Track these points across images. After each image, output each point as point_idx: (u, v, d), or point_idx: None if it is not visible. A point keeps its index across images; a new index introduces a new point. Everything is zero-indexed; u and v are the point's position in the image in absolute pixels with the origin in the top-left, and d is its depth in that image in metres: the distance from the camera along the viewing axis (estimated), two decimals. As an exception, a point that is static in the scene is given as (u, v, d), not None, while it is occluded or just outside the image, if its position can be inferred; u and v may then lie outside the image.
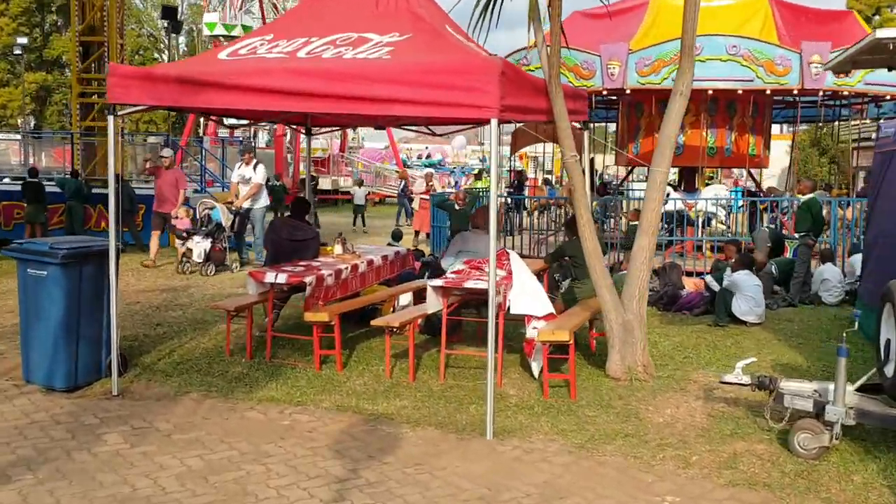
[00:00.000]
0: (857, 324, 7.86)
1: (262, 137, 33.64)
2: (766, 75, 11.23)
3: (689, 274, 10.13)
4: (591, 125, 17.55)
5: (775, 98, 13.36)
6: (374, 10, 6.04)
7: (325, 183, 32.06)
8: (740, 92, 11.86)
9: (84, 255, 5.99)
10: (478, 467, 4.62)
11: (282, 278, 6.62)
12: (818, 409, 4.79)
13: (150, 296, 9.70)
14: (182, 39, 57.65)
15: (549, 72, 5.84)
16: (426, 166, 42.62)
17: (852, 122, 16.81)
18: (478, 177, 25.51)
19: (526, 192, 18.12)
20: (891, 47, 5.08)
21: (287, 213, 7.87)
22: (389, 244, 11.42)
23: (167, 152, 12.90)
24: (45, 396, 5.79)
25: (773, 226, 11.91)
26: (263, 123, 25.28)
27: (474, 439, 5.06)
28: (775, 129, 20.51)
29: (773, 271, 9.81)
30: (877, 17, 36.70)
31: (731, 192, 14.22)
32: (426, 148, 53.52)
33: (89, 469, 4.46)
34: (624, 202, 14.16)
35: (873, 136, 11.43)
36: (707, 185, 16.58)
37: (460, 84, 4.99)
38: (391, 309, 7.99)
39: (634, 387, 6.00)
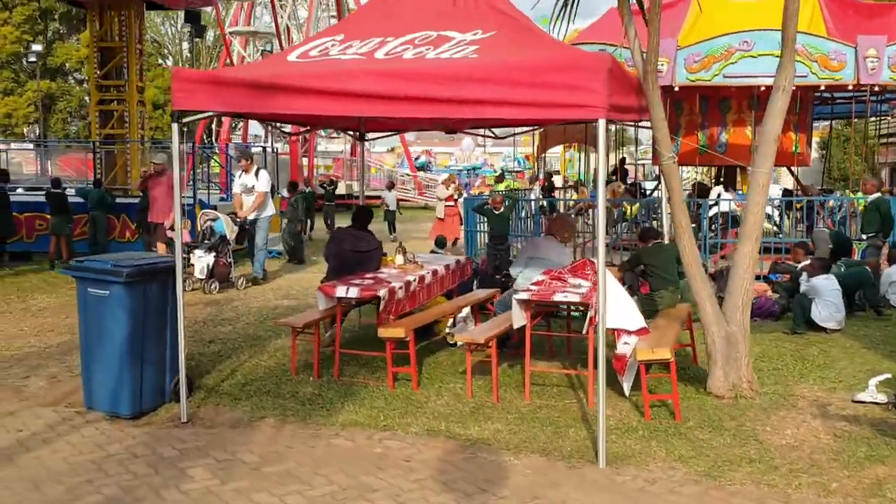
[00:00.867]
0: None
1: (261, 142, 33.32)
2: (819, 70, 10.85)
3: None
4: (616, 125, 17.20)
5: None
6: (452, 7, 5.68)
7: (339, 188, 31.77)
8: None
9: (148, 273, 5.62)
10: (601, 500, 4.24)
11: (353, 292, 6.25)
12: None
13: (193, 310, 9.32)
14: (185, 45, 57.30)
15: (646, 68, 5.47)
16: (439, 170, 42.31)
17: (891, 119, 16.42)
18: (499, 179, 25.14)
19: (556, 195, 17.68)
20: None
21: (348, 224, 7.48)
22: (433, 251, 11.07)
23: (160, 157, 11.94)
24: (111, 425, 5.41)
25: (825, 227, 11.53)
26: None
27: (586, 467, 4.68)
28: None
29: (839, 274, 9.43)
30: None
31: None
32: (427, 150, 53.33)
33: (182, 510, 4.10)
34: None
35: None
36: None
37: (564, 82, 4.62)
38: (451, 322, 7.64)
39: (741, 405, 5.62)
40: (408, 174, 36.96)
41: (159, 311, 5.80)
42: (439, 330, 7.75)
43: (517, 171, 39.83)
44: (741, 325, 5.65)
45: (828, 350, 7.28)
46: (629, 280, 7.80)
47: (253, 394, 6.10)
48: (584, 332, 5.82)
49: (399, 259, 7.43)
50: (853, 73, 10.77)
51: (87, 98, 57.47)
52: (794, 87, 6.03)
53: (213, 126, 32.79)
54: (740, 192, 13.13)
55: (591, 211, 13.94)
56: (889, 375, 5.71)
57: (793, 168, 15.36)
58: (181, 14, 22.58)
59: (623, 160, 19.18)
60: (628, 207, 13.04)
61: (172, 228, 10.68)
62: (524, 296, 5.75)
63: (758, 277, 9.81)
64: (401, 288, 6.45)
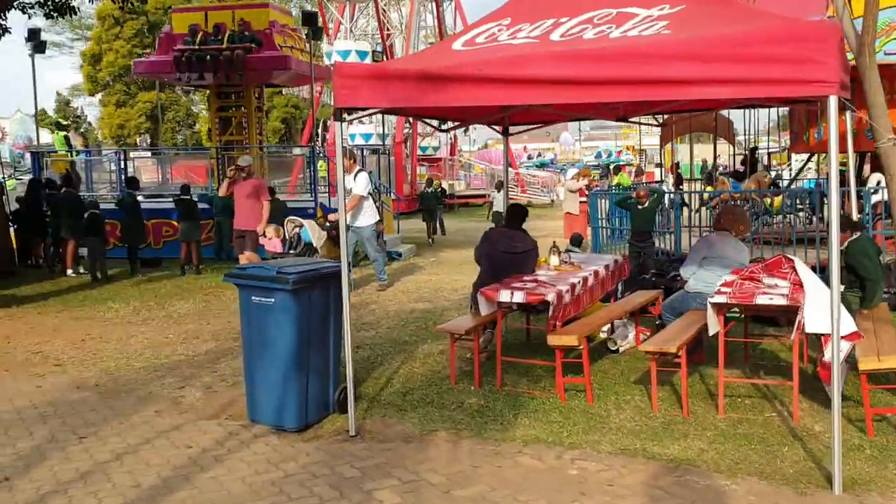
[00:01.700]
0: None
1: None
2: None
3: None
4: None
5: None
6: (630, -19, 5.15)
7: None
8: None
9: (313, 280, 5.34)
10: (855, 536, 3.66)
11: (518, 297, 5.81)
12: None
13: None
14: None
15: (862, 40, 4.82)
16: (538, 166, 41.67)
17: None
18: (614, 172, 24.28)
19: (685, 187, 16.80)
20: None
21: (501, 224, 7.04)
22: (569, 251, 10.53)
23: (245, 160, 11.02)
24: (280, 439, 5.14)
25: None
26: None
27: (818, 493, 4.09)
28: None
29: None
30: None
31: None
32: (526, 147, 52.49)
33: (379, 539, 3.74)
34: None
35: None
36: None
37: (786, 56, 4.03)
38: (608, 327, 7.12)
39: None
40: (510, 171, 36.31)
41: (323, 318, 5.53)
42: (594, 335, 7.23)
43: (621, 165, 38.62)
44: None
45: None
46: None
47: (417, 404, 5.74)
48: (792, 338, 5.20)
49: (554, 260, 6.96)
50: None
51: (193, 108, 59.56)
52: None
53: (319, 130, 33.11)
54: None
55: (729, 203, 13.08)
56: None
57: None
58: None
59: (754, 149, 18.10)
60: (772, 200, 12.15)
61: (265, 235, 10.40)
62: (721, 299, 5.18)
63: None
64: (567, 291, 5.97)
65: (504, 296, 5.83)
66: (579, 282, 6.28)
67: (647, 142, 58.59)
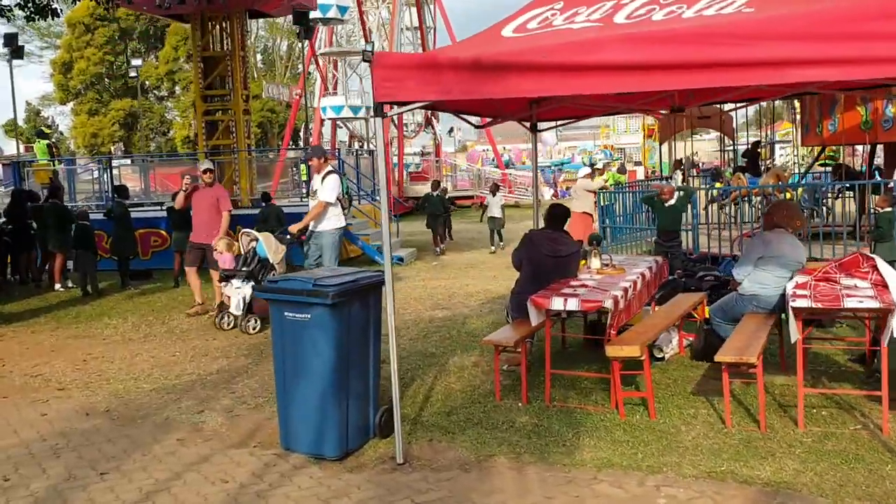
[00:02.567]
0: None
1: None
2: None
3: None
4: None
5: None
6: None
7: (423, 190, 30.98)
8: None
9: (353, 292, 4.85)
10: None
11: (573, 304, 5.36)
12: None
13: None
14: (258, 56, 57.61)
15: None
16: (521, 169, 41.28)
17: None
18: (619, 171, 23.98)
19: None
20: None
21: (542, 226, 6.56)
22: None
23: (206, 165, 9.96)
24: (322, 471, 4.64)
25: None
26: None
27: (943, 519, 3.68)
28: None
29: None
30: None
31: None
32: (505, 149, 52.11)
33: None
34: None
35: None
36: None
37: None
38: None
39: None
40: (494, 170, 35.90)
41: (363, 334, 5.05)
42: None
43: (605, 163, 38.35)
44: None
45: None
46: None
47: (464, 425, 5.27)
48: (885, 343, 4.80)
49: (595, 262, 6.52)
50: None
51: (167, 115, 58.60)
52: None
53: (301, 132, 32.57)
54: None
55: (749, 199, 12.75)
56: None
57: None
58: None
59: (757, 143, 17.82)
60: (790, 194, 11.83)
61: (215, 249, 9.07)
62: (803, 303, 4.76)
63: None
64: (622, 297, 5.53)
65: (556, 303, 5.37)
66: (630, 286, 5.84)
67: (626, 140, 58.68)
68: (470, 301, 10.02)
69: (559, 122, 7.59)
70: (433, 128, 35.58)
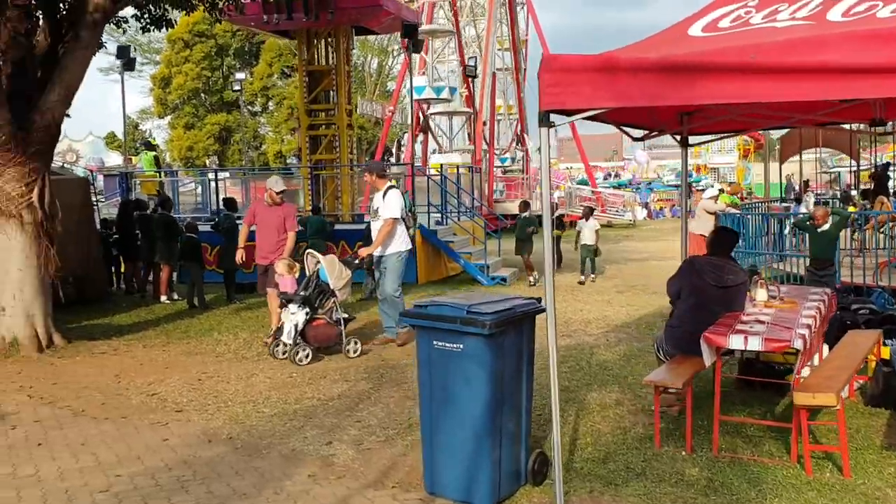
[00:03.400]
0: None
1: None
2: None
3: None
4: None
5: None
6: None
7: (515, 207, 30.21)
8: None
9: (510, 321, 4.34)
10: None
11: (755, 344, 4.70)
12: None
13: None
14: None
15: None
16: (615, 186, 40.35)
17: None
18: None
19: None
20: None
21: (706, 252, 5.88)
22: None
23: (276, 183, 9.04)
24: (477, 522, 4.13)
25: None
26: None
27: None
28: None
29: None
30: None
31: None
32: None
33: None
34: None
35: None
36: None
37: None
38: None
39: None
40: (580, 189, 34.95)
41: (517, 368, 4.54)
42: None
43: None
44: None
45: None
46: None
47: (626, 476, 4.68)
48: None
49: (761, 294, 5.82)
50: None
51: (260, 130, 59.87)
52: None
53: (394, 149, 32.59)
54: None
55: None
56: None
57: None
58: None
59: (887, 165, 16.59)
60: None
61: (276, 270, 8.37)
62: None
63: None
64: (808, 336, 4.84)
65: (735, 342, 4.73)
66: (812, 323, 5.14)
67: (718, 160, 56.77)
68: (590, 329, 9.40)
69: (712, 137, 6.94)
70: (524, 143, 35.04)
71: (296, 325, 7.92)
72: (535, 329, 4.46)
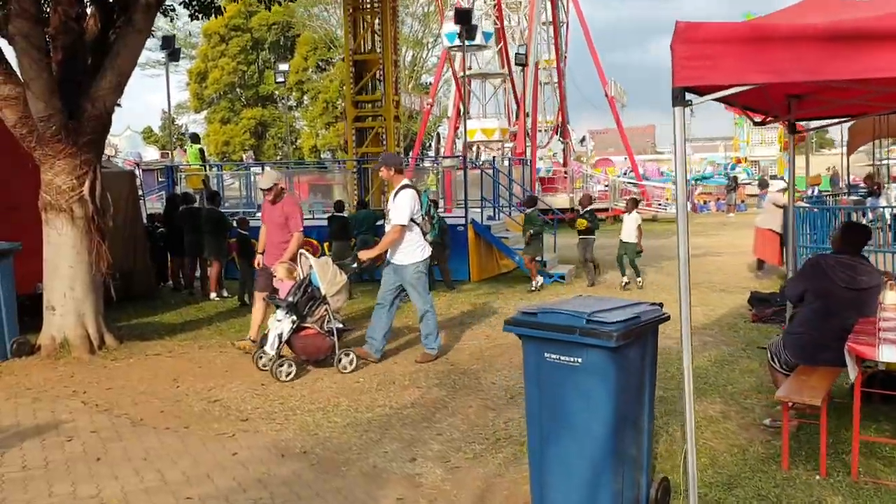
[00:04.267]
0: None
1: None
2: None
3: None
4: None
5: None
6: None
7: (558, 202, 29.34)
8: None
9: (636, 331, 3.80)
10: None
11: (911, 355, 4.11)
12: None
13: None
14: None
15: None
16: (659, 182, 39.41)
17: None
18: (761, 185, 22.03)
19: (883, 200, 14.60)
20: None
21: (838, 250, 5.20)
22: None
23: (263, 179, 8.17)
24: (602, 562, 3.60)
25: None
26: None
27: None
28: None
29: None
30: None
31: None
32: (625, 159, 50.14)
33: None
34: None
35: None
36: None
37: None
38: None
39: None
40: (630, 182, 34.13)
41: (639, 385, 3.99)
42: None
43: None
44: None
45: None
46: None
47: (759, 505, 4.12)
48: None
49: (890, 297, 5.20)
50: None
51: (295, 124, 59.71)
52: None
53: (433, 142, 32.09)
54: None
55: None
56: None
57: None
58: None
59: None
60: None
61: (275, 274, 7.57)
62: None
63: None
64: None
65: (887, 353, 4.14)
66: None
67: (759, 153, 55.44)
68: (668, 331, 8.76)
69: (825, 123, 6.31)
70: (566, 135, 34.31)
71: (280, 335, 7.03)
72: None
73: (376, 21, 15.77)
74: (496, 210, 14.43)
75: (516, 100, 30.36)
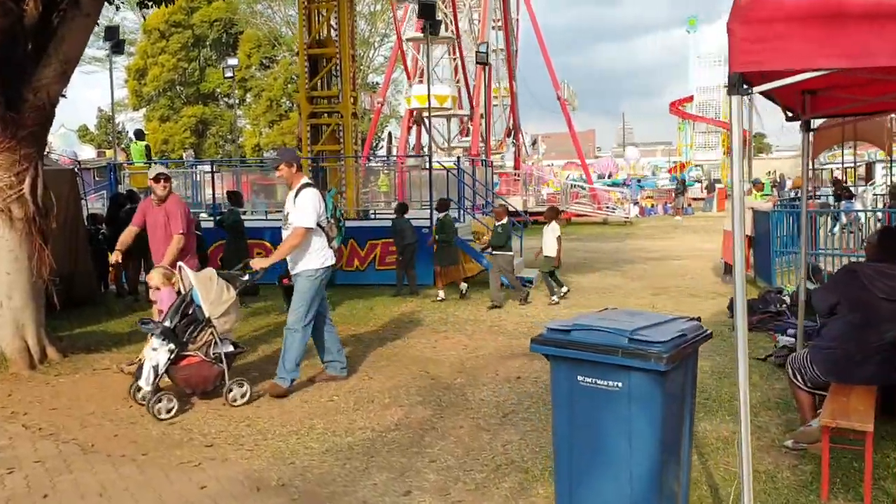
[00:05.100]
0: None
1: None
2: None
3: None
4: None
5: None
6: None
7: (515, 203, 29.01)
8: None
9: (684, 352, 3.34)
10: None
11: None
12: None
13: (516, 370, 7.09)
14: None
15: None
16: (609, 185, 39.54)
17: None
18: (709, 189, 22.07)
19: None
20: None
21: (871, 259, 4.80)
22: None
23: (157, 172, 7.24)
24: None
25: None
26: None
27: None
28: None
29: None
30: None
31: None
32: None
33: None
34: None
35: None
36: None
37: None
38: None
39: None
40: (581, 185, 34.07)
41: (679, 411, 3.53)
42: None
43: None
44: None
45: None
46: None
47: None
48: None
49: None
50: None
51: (237, 122, 58.33)
52: None
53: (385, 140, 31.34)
54: None
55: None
56: None
57: None
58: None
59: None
60: None
61: (153, 284, 6.81)
62: None
63: None
64: None
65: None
66: None
67: (701, 157, 56.37)
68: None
69: (850, 118, 5.97)
70: (518, 138, 34.08)
71: (155, 367, 5.88)
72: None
73: (332, 15, 15.13)
74: (461, 212, 13.95)
75: (463, 68, 30.34)
